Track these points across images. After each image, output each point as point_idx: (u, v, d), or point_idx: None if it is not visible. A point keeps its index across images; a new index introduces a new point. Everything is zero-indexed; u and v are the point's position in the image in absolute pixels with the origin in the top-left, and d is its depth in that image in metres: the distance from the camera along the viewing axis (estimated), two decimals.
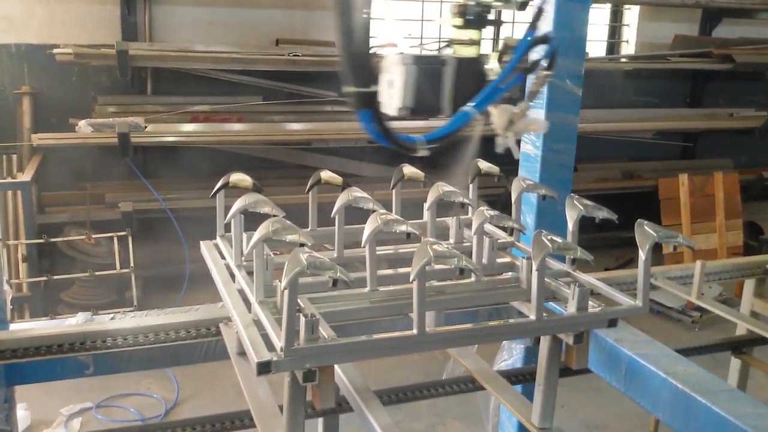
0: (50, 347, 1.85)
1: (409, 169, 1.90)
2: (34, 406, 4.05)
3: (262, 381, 1.55)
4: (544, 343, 1.53)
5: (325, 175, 1.82)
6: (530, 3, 1.99)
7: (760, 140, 7.47)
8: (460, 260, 1.34)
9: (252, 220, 1.57)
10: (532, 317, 1.45)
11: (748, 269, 2.75)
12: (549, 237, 1.46)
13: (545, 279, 1.50)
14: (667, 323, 5.72)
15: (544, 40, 1.98)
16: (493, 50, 2.11)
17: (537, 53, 1.98)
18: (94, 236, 5.25)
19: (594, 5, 6.01)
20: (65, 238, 5.30)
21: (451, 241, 1.90)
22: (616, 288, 1.60)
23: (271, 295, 1.48)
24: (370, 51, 1.60)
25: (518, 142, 2.03)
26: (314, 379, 1.29)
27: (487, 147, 2.00)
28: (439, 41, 2.05)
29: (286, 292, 1.23)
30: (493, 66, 1.97)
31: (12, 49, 5.63)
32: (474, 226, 1.69)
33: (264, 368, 1.24)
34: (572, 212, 1.65)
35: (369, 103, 1.65)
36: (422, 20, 7.05)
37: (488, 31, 2.21)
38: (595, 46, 7.86)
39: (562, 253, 1.50)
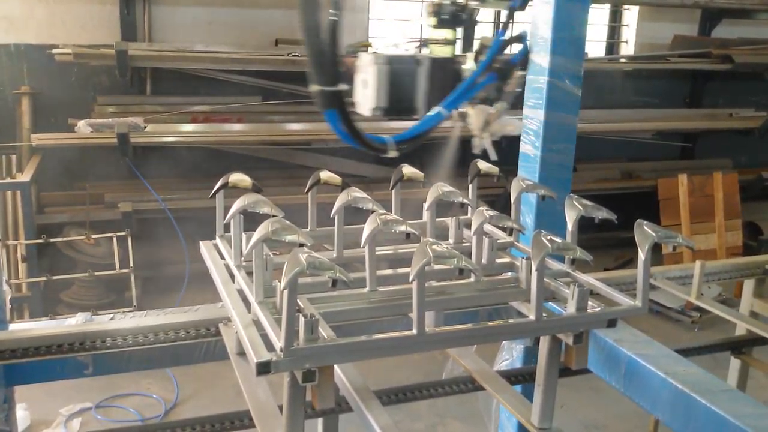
0: (50, 347, 1.85)
1: (408, 170, 1.90)
2: (33, 407, 4.05)
3: (262, 381, 1.55)
4: (544, 343, 1.53)
5: (325, 175, 1.82)
6: (530, 3, 1.99)
7: (759, 140, 7.47)
8: (459, 260, 1.34)
9: (251, 220, 1.57)
10: (532, 317, 1.45)
11: (748, 269, 2.76)
12: (548, 237, 1.46)
13: (545, 279, 1.50)
14: (666, 323, 5.72)
15: (517, 39, 1.97)
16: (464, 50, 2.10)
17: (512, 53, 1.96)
18: (93, 236, 5.25)
19: (593, 5, 6.02)
20: (65, 239, 5.29)
21: (451, 241, 1.90)
22: (616, 288, 1.60)
23: (270, 296, 1.48)
24: (336, 49, 1.59)
25: (495, 143, 2.02)
26: (314, 379, 1.29)
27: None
28: (420, 41, 2.04)
29: (286, 292, 1.22)
30: (469, 66, 1.96)
31: (11, 49, 5.63)
32: (473, 227, 1.69)
33: (263, 368, 1.24)
34: (571, 212, 1.65)
35: (335, 102, 1.64)
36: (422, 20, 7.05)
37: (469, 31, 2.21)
38: (595, 47, 7.87)
39: (562, 254, 1.50)
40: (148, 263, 5.53)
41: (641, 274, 1.49)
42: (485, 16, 7.34)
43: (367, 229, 1.49)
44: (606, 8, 7.79)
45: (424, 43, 1.98)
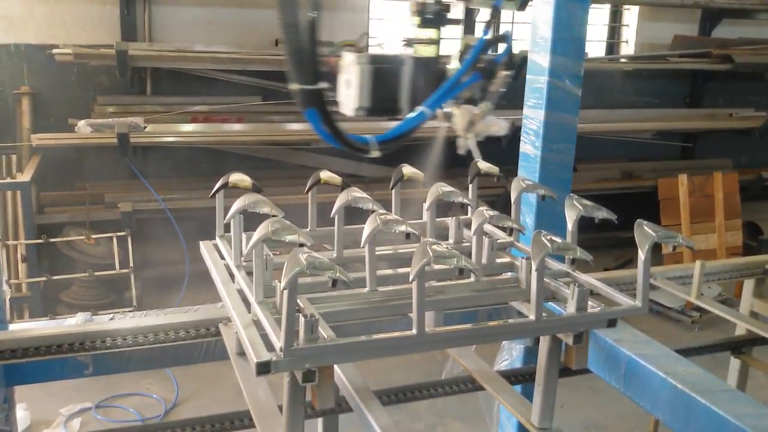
0: (50, 347, 1.86)
1: (408, 170, 1.90)
2: (33, 407, 4.05)
3: (262, 381, 1.55)
4: (544, 343, 1.53)
5: (325, 175, 1.82)
6: (530, 2, 1.99)
7: (759, 140, 7.47)
8: (459, 260, 1.34)
9: (251, 220, 1.57)
10: (532, 317, 1.45)
11: (748, 269, 2.76)
12: (548, 237, 1.46)
13: (545, 279, 1.50)
14: (666, 323, 5.72)
15: (501, 39, 1.96)
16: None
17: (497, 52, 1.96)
18: (93, 236, 5.25)
19: (593, 5, 6.02)
20: (65, 239, 5.29)
21: (451, 241, 1.90)
22: (616, 288, 1.60)
23: (270, 296, 1.48)
24: (315, 48, 1.58)
25: (479, 144, 2.02)
26: (314, 379, 1.29)
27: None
28: (405, 41, 2.03)
29: (286, 292, 1.22)
30: (454, 66, 1.95)
31: (11, 49, 5.63)
32: (473, 227, 1.69)
33: (263, 368, 1.24)
34: (572, 212, 1.64)
35: (315, 101, 1.62)
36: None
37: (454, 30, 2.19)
38: (595, 47, 7.87)
39: (562, 254, 1.50)
40: (148, 263, 5.53)
41: (641, 274, 1.49)
42: (486, 15, 7.34)
43: (367, 229, 1.49)
44: (606, 8, 7.79)
45: (408, 42, 1.97)
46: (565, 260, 1.69)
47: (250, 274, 1.53)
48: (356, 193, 1.66)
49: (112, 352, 1.90)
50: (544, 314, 1.45)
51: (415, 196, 1.91)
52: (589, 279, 1.64)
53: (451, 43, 2.18)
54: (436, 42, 1.97)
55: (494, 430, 2.82)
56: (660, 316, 5.75)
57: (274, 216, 1.49)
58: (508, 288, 1.67)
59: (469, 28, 7.18)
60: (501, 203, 5.55)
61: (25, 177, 5.10)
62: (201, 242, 1.87)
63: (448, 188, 1.80)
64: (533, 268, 1.42)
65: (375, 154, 1.84)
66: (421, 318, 1.34)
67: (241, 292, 1.56)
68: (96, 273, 5.09)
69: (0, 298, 2.04)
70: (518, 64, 2.02)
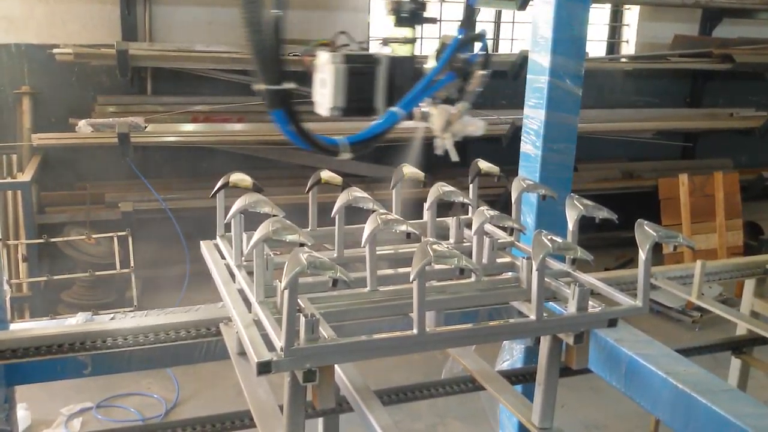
0: (50, 347, 1.86)
1: (409, 169, 1.90)
2: (34, 406, 4.05)
3: (263, 381, 1.55)
4: (545, 343, 1.53)
5: (325, 175, 1.82)
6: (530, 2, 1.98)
7: (760, 140, 7.47)
8: (460, 260, 1.34)
9: (252, 220, 1.57)
10: (532, 317, 1.45)
11: (748, 269, 2.76)
12: (549, 237, 1.46)
13: (545, 279, 1.50)
14: (667, 323, 5.71)
15: (477, 38, 1.94)
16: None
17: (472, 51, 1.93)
18: (94, 236, 5.25)
19: (594, 5, 6.01)
20: (65, 238, 5.29)
21: (451, 241, 1.90)
22: (616, 288, 1.60)
23: (271, 295, 1.48)
24: (280, 47, 1.56)
25: (457, 144, 2.01)
26: (314, 379, 1.29)
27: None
28: (382, 40, 2.02)
29: (286, 292, 1.23)
30: (431, 65, 1.93)
31: (12, 49, 5.63)
32: (474, 226, 1.69)
33: (264, 368, 1.24)
34: (572, 212, 1.65)
35: (281, 101, 1.61)
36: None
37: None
38: (595, 46, 7.87)
39: (562, 253, 1.50)
40: (149, 263, 5.52)
41: (642, 274, 1.49)
42: (486, 15, 7.34)
43: (368, 228, 1.49)
44: (607, 8, 7.79)
45: (384, 41, 1.95)
46: (565, 260, 1.69)
47: (250, 273, 1.53)
48: (357, 192, 1.66)
49: (112, 352, 1.90)
50: (544, 314, 1.45)
51: (415, 196, 1.91)
52: (589, 279, 1.64)
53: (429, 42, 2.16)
54: (411, 41, 1.95)
55: (496, 429, 2.82)
56: (661, 316, 5.75)
57: (274, 216, 1.49)
58: (508, 288, 1.67)
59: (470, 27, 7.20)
60: (501, 203, 5.54)
61: (26, 177, 5.10)
62: (202, 242, 1.87)
63: (449, 188, 1.80)
64: (534, 267, 1.42)
65: (345, 156, 1.82)
66: (421, 318, 1.34)
67: (241, 291, 1.57)
68: (96, 273, 5.09)
69: (0, 298, 2.04)
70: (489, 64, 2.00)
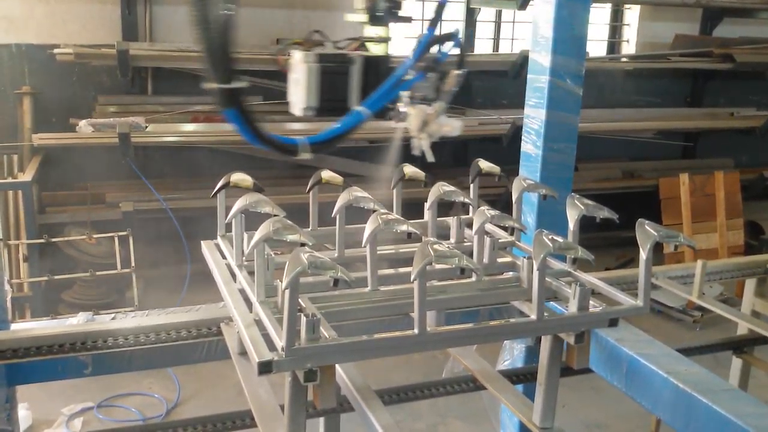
0: (51, 347, 1.86)
1: (410, 169, 1.90)
2: (35, 406, 4.05)
3: (263, 381, 1.55)
4: (545, 342, 1.53)
5: (326, 174, 1.82)
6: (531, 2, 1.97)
7: (760, 140, 7.46)
8: (460, 260, 1.34)
9: (253, 219, 1.57)
10: (533, 317, 1.45)
11: (749, 269, 2.75)
12: (550, 236, 1.46)
13: (546, 278, 1.50)
14: (668, 323, 5.71)
15: (448, 37, 1.92)
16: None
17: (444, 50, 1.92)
18: (94, 236, 5.25)
19: (594, 5, 6.01)
20: (66, 238, 5.30)
21: (452, 240, 1.90)
22: (617, 287, 1.61)
23: (272, 295, 1.48)
24: (230, 45, 1.54)
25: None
26: (315, 378, 1.29)
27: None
28: (359, 39, 2.00)
29: (287, 291, 1.23)
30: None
31: (12, 49, 5.63)
32: (475, 226, 1.69)
33: (265, 368, 1.24)
34: (573, 212, 1.65)
35: (233, 100, 1.59)
36: (422, 20, 7.05)
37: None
38: (596, 46, 7.87)
39: (563, 253, 1.50)
40: (150, 263, 5.52)
41: (643, 274, 1.49)
42: (487, 15, 7.34)
43: (369, 228, 1.49)
44: (607, 7, 7.79)
45: (358, 40, 1.95)
46: (566, 260, 1.69)
47: (251, 273, 1.53)
48: (357, 192, 1.66)
49: (113, 352, 1.90)
50: (545, 314, 1.45)
51: (416, 196, 1.90)
52: (590, 278, 1.64)
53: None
54: (386, 40, 1.94)
55: (497, 429, 2.82)
56: (661, 316, 5.75)
57: (275, 216, 1.49)
58: (509, 287, 1.67)
59: (470, 26, 7.21)
60: (502, 203, 5.54)
61: (27, 177, 5.10)
62: (202, 242, 1.87)
63: (450, 188, 1.80)
64: (535, 267, 1.42)
65: (305, 156, 1.81)
66: (422, 317, 1.34)
67: (242, 291, 1.57)
68: (97, 273, 5.09)
69: (1, 298, 2.04)
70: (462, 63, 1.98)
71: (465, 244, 1.87)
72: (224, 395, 4.29)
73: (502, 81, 6.79)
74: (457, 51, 1.96)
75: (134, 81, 5.83)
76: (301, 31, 6.24)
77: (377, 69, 1.90)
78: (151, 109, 5.77)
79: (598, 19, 7.80)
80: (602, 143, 6.89)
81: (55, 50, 5.45)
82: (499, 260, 1.75)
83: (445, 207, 1.86)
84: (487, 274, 1.67)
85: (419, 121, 1.91)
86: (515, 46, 7.52)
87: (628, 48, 7.89)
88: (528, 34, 7.19)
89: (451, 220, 1.92)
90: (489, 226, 1.84)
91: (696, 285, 2.44)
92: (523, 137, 2.50)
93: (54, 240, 5.12)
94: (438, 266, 1.49)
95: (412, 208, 1.94)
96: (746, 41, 7.64)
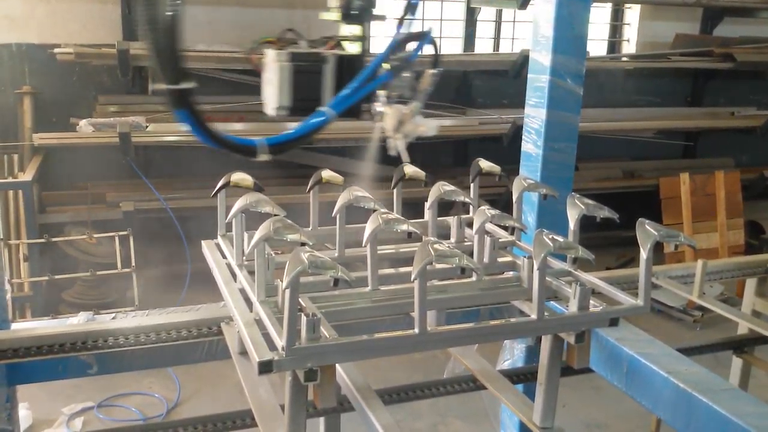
0: (52, 347, 1.86)
1: (410, 169, 1.90)
2: (35, 406, 4.06)
3: (264, 380, 1.55)
4: (546, 342, 1.53)
5: (326, 174, 1.82)
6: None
7: (761, 139, 7.46)
8: (461, 259, 1.34)
9: (253, 219, 1.57)
10: (534, 316, 1.45)
11: (750, 268, 2.75)
12: (550, 236, 1.46)
13: (546, 278, 1.50)
14: (668, 322, 5.71)
15: (418, 36, 1.90)
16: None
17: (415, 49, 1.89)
18: (95, 236, 5.25)
19: (595, 4, 6.01)
20: (66, 238, 5.30)
21: (452, 240, 1.90)
22: (618, 287, 1.60)
23: (272, 295, 1.48)
24: (177, 45, 1.53)
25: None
26: (316, 378, 1.29)
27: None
28: (334, 38, 1.99)
29: (288, 291, 1.23)
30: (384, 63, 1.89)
31: (13, 49, 5.63)
32: (475, 226, 1.69)
33: (265, 368, 1.24)
34: (573, 211, 1.64)
35: (183, 101, 1.57)
36: (422, 20, 7.06)
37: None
38: (596, 45, 7.86)
39: (564, 252, 1.50)
40: (150, 263, 5.52)
41: (643, 273, 1.49)
42: (487, 14, 7.34)
43: (369, 228, 1.49)
44: (608, 7, 7.79)
45: (333, 39, 1.94)
46: (566, 259, 1.69)
47: (251, 273, 1.53)
48: (358, 192, 1.66)
49: (114, 352, 1.90)
50: (545, 313, 1.45)
51: (416, 196, 1.90)
52: (590, 278, 1.64)
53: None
54: (361, 39, 1.92)
55: (497, 428, 2.82)
56: (662, 315, 5.75)
57: (275, 215, 1.49)
58: (509, 287, 1.67)
59: (471, 26, 7.20)
60: (502, 202, 5.54)
61: (27, 176, 5.10)
62: (203, 241, 1.87)
63: (450, 187, 1.80)
64: (535, 267, 1.42)
65: (263, 157, 1.79)
66: (422, 317, 1.34)
67: (242, 291, 1.57)
68: (98, 272, 5.09)
69: (2, 298, 2.04)
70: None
71: (465, 243, 1.87)
72: (224, 395, 4.29)
73: (502, 80, 6.79)
74: (431, 50, 1.94)
75: (134, 81, 5.82)
76: (301, 30, 6.25)
77: (352, 68, 1.88)
78: (151, 108, 5.76)
79: (599, 18, 7.80)
80: (603, 143, 6.89)
81: (56, 50, 5.45)
82: (500, 260, 1.75)
83: (445, 207, 1.86)
84: (487, 274, 1.67)
85: (395, 121, 1.90)
86: (516, 45, 7.52)
87: (629, 47, 7.89)
88: (528, 34, 7.19)
89: (452, 220, 1.92)
90: (489, 226, 1.84)
91: (696, 285, 2.44)
92: (523, 137, 2.50)
93: (54, 240, 5.12)
94: (438, 266, 1.49)
95: (412, 208, 1.93)
96: (747, 41, 7.64)
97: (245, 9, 6.07)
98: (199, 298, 2.33)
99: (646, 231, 1.49)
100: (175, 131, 5.54)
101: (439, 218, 1.88)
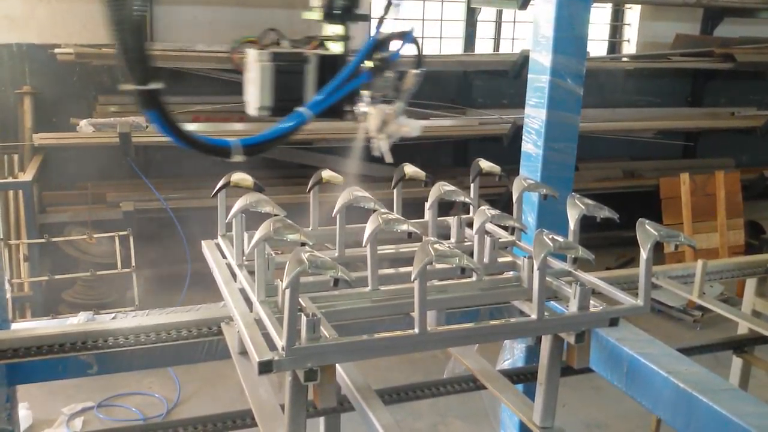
0: (52, 347, 1.86)
1: (410, 169, 1.90)
2: (35, 406, 4.06)
3: (264, 380, 1.55)
4: (546, 342, 1.53)
5: (327, 174, 1.82)
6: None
7: (761, 139, 7.46)
8: (461, 259, 1.34)
9: (253, 219, 1.57)
10: (534, 316, 1.45)
11: (750, 268, 2.75)
12: (550, 236, 1.46)
13: (546, 278, 1.50)
14: (668, 322, 5.71)
15: (399, 36, 1.89)
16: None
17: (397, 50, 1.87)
18: (95, 236, 5.25)
19: (595, 4, 6.01)
20: (66, 238, 5.30)
21: (453, 240, 1.90)
22: (618, 287, 1.60)
23: (272, 295, 1.48)
24: (143, 45, 1.52)
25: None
26: (316, 378, 1.29)
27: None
28: (317, 37, 1.96)
29: (288, 291, 1.23)
30: (367, 63, 1.88)
31: (13, 49, 5.63)
32: (475, 226, 1.69)
33: (265, 367, 1.24)
34: (573, 211, 1.64)
35: (152, 102, 1.57)
36: (423, 20, 7.06)
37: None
38: (597, 46, 7.86)
39: (564, 253, 1.50)
40: (150, 263, 5.53)
41: (643, 273, 1.49)
42: (487, 15, 7.34)
43: (369, 228, 1.49)
44: (608, 7, 7.79)
45: (315, 38, 1.92)
46: (566, 259, 1.69)
47: (251, 273, 1.53)
48: (358, 192, 1.66)
49: (114, 352, 1.90)
50: (545, 313, 1.45)
51: (416, 196, 1.89)
52: (590, 278, 1.64)
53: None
54: (343, 38, 1.91)
55: (497, 428, 2.82)
56: (662, 315, 5.75)
57: (275, 215, 1.49)
58: (509, 287, 1.67)
59: (471, 26, 7.20)
60: (503, 202, 5.54)
61: (27, 176, 5.10)
62: (203, 241, 1.87)
63: (450, 187, 1.80)
64: (535, 267, 1.42)
65: (238, 158, 1.78)
66: (422, 317, 1.34)
67: (242, 291, 1.57)
68: (98, 272, 5.09)
69: (2, 298, 2.04)
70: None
71: (465, 243, 1.87)
72: (224, 395, 4.29)
73: (502, 81, 6.79)
74: (413, 50, 1.93)
75: None
76: (302, 30, 6.24)
77: (335, 68, 1.86)
78: None
79: (599, 18, 7.80)
80: (603, 143, 6.89)
81: (56, 50, 5.45)
82: (500, 260, 1.75)
83: (445, 207, 1.86)
84: (487, 274, 1.67)
85: (378, 122, 1.89)
86: (516, 45, 7.52)
87: (629, 48, 7.89)
88: (529, 34, 7.19)
89: (452, 220, 1.92)
90: (489, 226, 1.84)
91: (696, 284, 2.44)
92: (523, 137, 2.50)
93: (54, 240, 5.12)
94: (438, 266, 1.49)
95: (412, 208, 1.93)
96: (747, 41, 7.64)
97: (245, 9, 6.07)
98: (199, 298, 2.33)
99: (646, 231, 1.49)
100: None
101: (439, 218, 1.88)
